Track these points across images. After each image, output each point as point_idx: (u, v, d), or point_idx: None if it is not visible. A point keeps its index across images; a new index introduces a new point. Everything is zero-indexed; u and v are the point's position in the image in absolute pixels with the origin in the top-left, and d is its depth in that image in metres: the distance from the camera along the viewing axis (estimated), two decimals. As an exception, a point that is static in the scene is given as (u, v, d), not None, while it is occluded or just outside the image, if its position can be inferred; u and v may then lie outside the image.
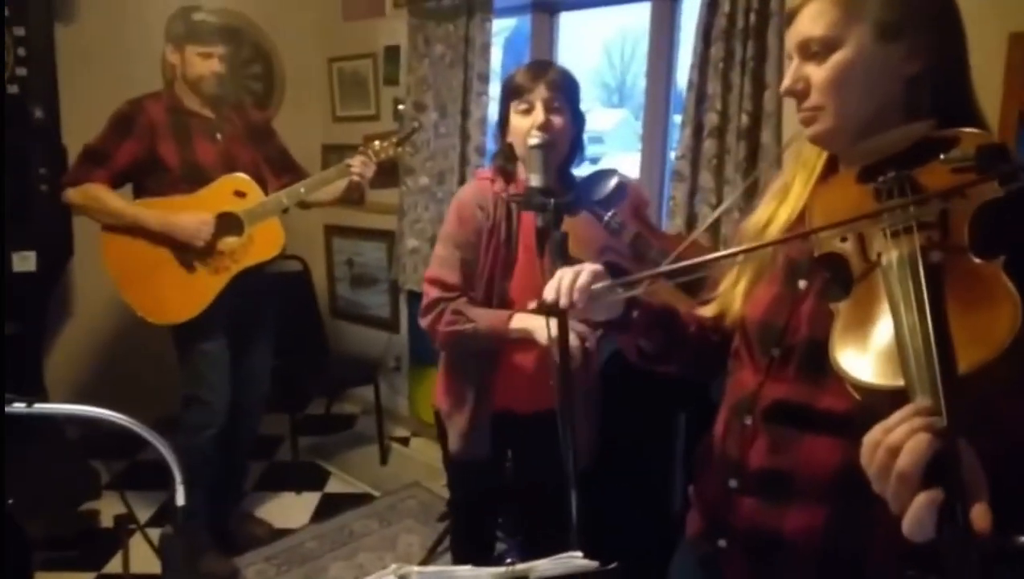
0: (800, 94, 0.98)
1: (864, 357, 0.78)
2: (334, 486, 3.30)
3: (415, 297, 3.73)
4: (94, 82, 3.22)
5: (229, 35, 2.50)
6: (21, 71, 2.87)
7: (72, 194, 2.42)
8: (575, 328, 1.53)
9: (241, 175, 2.50)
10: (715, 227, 2.47)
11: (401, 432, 3.85)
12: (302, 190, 2.53)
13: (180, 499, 0.98)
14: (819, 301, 0.98)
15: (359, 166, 2.50)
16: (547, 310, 1.13)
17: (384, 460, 3.54)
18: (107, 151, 2.42)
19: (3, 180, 2.73)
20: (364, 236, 3.91)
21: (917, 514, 0.64)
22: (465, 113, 3.22)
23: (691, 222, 2.53)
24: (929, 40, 0.93)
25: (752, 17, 2.30)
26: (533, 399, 1.81)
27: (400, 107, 3.58)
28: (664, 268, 1.08)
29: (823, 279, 0.98)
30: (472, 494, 2.00)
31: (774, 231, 1.07)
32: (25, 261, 2.87)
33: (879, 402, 0.76)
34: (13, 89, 2.86)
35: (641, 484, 2.10)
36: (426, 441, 3.76)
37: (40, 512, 2.72)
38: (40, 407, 0.93)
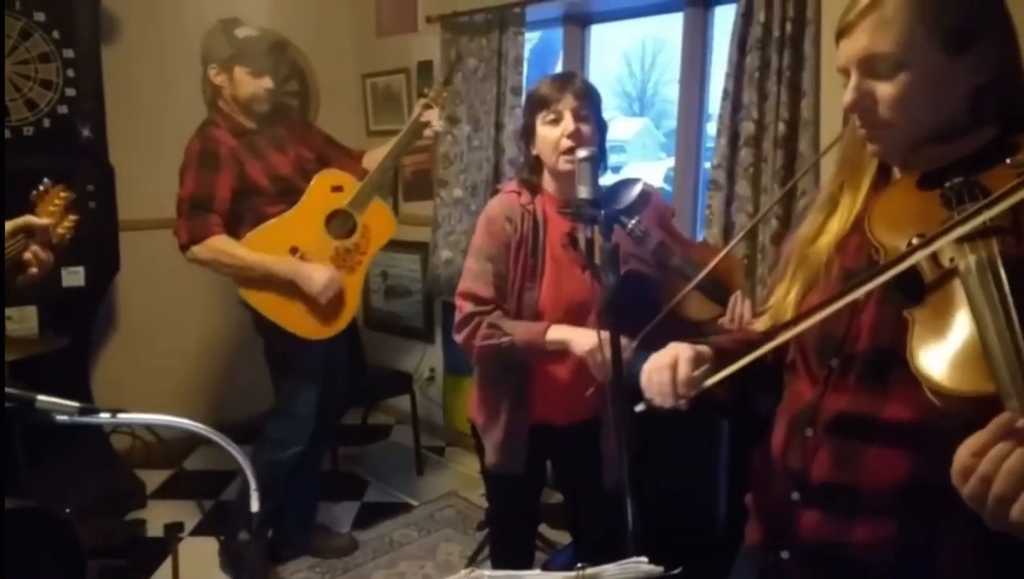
0: (865, 112, 0.96)
1: (947, 364, 0.79)
2: (372, 495, 3.33)
3: (449, 308, 3.76)
4: (138, 101, 3.32)
5: (272, 50, 2.49)
6: (70, 91, 2.97)
7: (200, 252, 2.35)
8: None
9: (331, 171, 2.53)
10: (752, 236, 2.48)
11: (436, 442, 3.88)
12: (389, 161, 2.57)
13: (254, 505, 1.02)
14: (880, 310, 0.97)
15: (436, 120, 2.58)
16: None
17: (420, 470, 3.57)
18: (208, 193, 2.35)
19: (3, 184, 2.79)
20: (398, 248, 3.95)
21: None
22: (499, 126, 3.26)
23: (728, 231, 2.53)
24: (995, 48, 0.92)
25: (788, 26, 2.31)
26: (570, 410, 1.82)
27: (433, 120, 3.62)
28: (782, 337, 1.01)
29: (883, 287, 0.98)
30: (510, 506, 2.00)
31: (826, 241, 1.07)
32: (74, 276, 2.95)
33: (963, 408, 0.76)
34: (63, 109, 2.96)
35: (686, 491, 2.11)
36: (461, 451, 3.79)
37: (89, 521, 2.79)
38: (124, 417, 0.97)
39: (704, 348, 1.11)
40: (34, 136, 2.93)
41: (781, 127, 2.35)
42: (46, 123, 2.94)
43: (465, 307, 1.77)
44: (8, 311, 2.76)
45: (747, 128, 2.45)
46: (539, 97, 1.72)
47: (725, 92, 2.50)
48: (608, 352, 1.28)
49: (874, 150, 1.01)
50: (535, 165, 1.79)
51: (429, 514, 3.15)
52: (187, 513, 3.06)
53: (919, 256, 0.85)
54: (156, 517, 3.03)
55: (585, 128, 1.68)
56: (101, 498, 2.97)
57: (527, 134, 1.78)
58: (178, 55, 3.44)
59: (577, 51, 3.32)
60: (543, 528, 2.60)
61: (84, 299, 3.04)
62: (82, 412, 0.95)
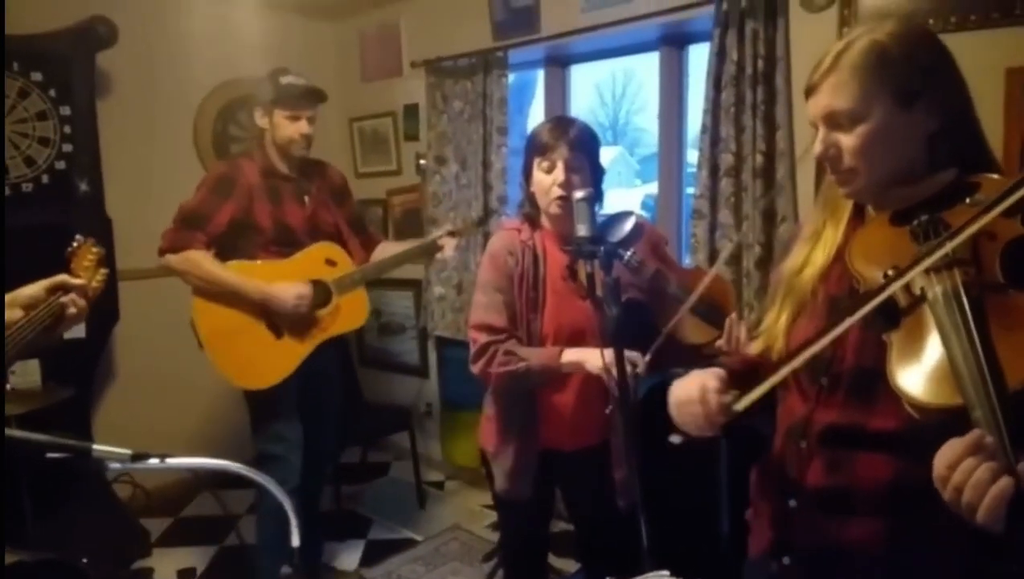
0: (833, 159, 1.09)
1: (922, 380, 0.89)
2: (376, 532, 3.36)
3: (443, 343, 3.84)
4: (133, 154, 3.39)
5: (308, 95, 2.54)
6: (67, 147, 3.04)
7: (173, 260, 2.40)
8: (626, 354, 1.63)
9: (333, 245, 2.56)
10: (737, 261, 2.59)
11: (435, 476, 3.92)
12: (390, 263, 2.60)
13: (295, 540, 1.08)
14: (863, 333, 1.07)
15: (451, 249, 2.60)
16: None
17: (422, 505, 3.61)
18: (206, 213, 2.41)
19: (3, 198, 2.85)
20: (390, 286, 4.03)
21: (989, 512, 0.75)
22: (486, 164, 3.37)
23: (713, 257, 2.64)
24: (942, 99, 1.04)
25: (760, 63, 2.45)
26: (576, 436, 1.90)
27: (421, 161, 3.73)
28: (792, 362, 1.07)
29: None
30: (521, 532, 2.06)
31: (811, 273, 1.18)
32: (75, 328, 2.99)
33: (938, 418, 0.87)
34: (61, 165, 3.03)
35: (688, 509, 2.18)
36: (461, 484, 3.83)
37: (95, 572, 2.80)
38: (172, 461, 1.04)
39: (722, 372, 1.19)
40: (33, 192, 2.99)
41: (759, 158, 2.48)
42: (44, 179, 3.01)
43: (480, 338, 1.84)
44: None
45: (726, 160, 2.57)
46: (537, 143, 1.83)
47: (704, 126, 2.62)
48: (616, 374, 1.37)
49: (845, 192, 1.14)
50: (534, 202, 1.89)
51: (434, 548, 3.19)
52: (192, 560, 3.08)
53: (895, 287, 0.96)
54: (162, 565, 3.04)
55: (576, 177, 1.78)
56: (108, 547, 2.99)
57: (527, 173, 1.88)
58: (170, 109, 3.54)
59: (558, 91, 3.45)
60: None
61: (85, 350, 3.08)
62: (134, 458, 1.01)
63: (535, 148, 1.83)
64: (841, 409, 1.10)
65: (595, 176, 1.86)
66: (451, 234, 2.60)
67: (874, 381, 1.04)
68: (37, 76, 2.96)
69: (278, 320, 2.45)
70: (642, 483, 1.95)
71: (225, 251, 2.49)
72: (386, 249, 2.75)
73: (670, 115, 3.07)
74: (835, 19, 2.34)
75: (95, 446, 1.00)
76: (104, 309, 3.13)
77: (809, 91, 1.11)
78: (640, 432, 1.92)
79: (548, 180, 1.80)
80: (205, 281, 2.39)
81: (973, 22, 2.07)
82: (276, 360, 2.46)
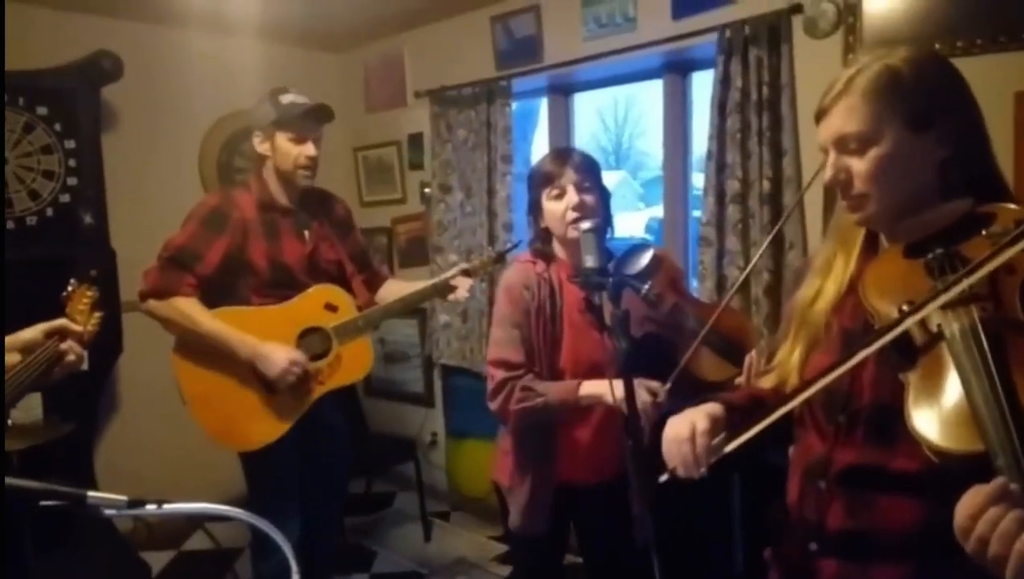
0: (843, 185, 1.07)
1: (940, 424, 0.85)
2: (381, 566, 3.30)
3: (449, 371, 3.81)
4: (138, 186, 3.39)
5: (315, 114, 2.31)
6: (72, 181, 3.04)
7: (157, 307, 2.18)
8: (646, 384, 1.60)
9: (334, 288, 2.33)
10: (745, 288, 2.56)
11: (441, 507, 3.86)
12: (397, 307, 2.38)
13: (296, 585, 1.04)
14: (879, 369, 1.04)
15: (465, 290, 2.34)
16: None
17: (428, 537, 3.55)
18: (197, 251, 2.18)
19: (3, 205, 2.82)
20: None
21: (1019, 565, 0.71)
22: (491, 192, 3.36)
23: (721, 284, 2.62)
24: (955, 126, 1.02)
25: (765, 90, 2.44)
26: (595, 470, 1.87)
27: (426, 190, 3.73)
28: (796, 400, 1.05)
29: (880, 348, 1.05)
30: (535, 568, 2.02)
31: (823, 304, 1.14)
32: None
33: (958, 465, 0.83)
34: (65, 198, 3.03)
35: (700, 546, 2.13)
36: (467, 515, 3.77)
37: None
38: (169, 507, 1.00)
39: (717, 410, 1.17)
40: (37, 225, 2.99)
41: (765, 184, 2.46)
42: (49, 212, 3.01)
43: (498, 374, 1.81)
44: (13, 399, 2.77)
45: (732, 186, 2.55)
46: (543, 174, 1.82)
47: (709, 153, 2.61)
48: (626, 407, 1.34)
49: (856, 219, 1.11)
50: (545, 236, 1.87)
51: (440, 582, 3.13)
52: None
53: (909, 323, 0.93)
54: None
55: (588, 198, 1.77)
56: (109, 584, 2.94)
57: (535, 209, 1.86)
58: (175, 141, 3.55)
59: (562, 118, 3.45)
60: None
61: (87, 383, 3.05)
62: (130, 505, 0.98)
63: (541, 180, 1.82)
64: (860, 449, 1.06)
65: (603, 200, 1.85)
66: (465, 273, 2.35)
67: (893, 419, 1.00)
68: (42, 110, 2.97)
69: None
70: (655, 519, 1.91)
71: (215, 293, 2.26)
72: (392, 288, 2.54)
73: (675, 141, 3.05)
74: (840, 45, 2.34)
75: (90, 493, 0.97)
76: (107, 341, 3.11)
77: (820, 115, 1.09)
78: (653, 466, 1.89)
79: (560, 206, 1.78)
80: (192, 334, 2.17)
81: (979, 46, 2.06)
82: (267, 420, 2.24)
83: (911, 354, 0.94)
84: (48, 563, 2.64)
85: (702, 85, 2.99)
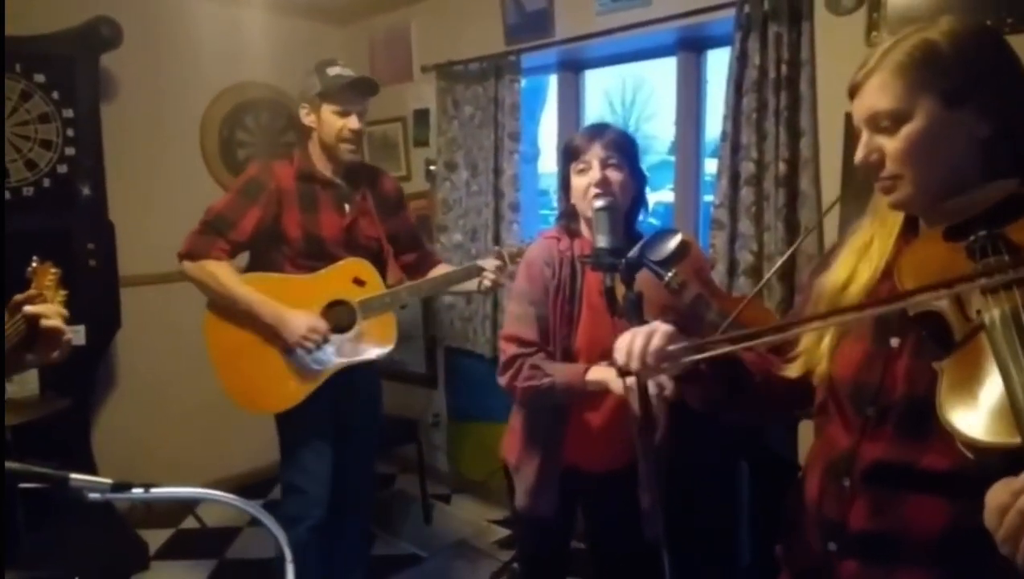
0: (875, 165, 1.01)
1: (976, 416, 0.79)
2: (380, 548, 3.26)
3: (452, 352, 3.76)
4: (137, 158, 3.33)
5: (360, 88, 2.32)
6: (70, 151, 2.98)
7: (191, 268, 2.26)
8: (654, 377, 1.54)
9: (363, 262, 2.33)
10: (757, 273, 2.49)
11: (442, 489, 3.83)
12: (425, 287, 2.40)
13: (290, 577, 0.99)
14: (915, 359, 0.98)
15: (493, 272, 2.30)
16: (622, 371, 1.14)
17: (428, 519, 3.51)
18: (232, 218, 2.25)
19: (3, 201, 2.77)
20: (398, 294, 3.95)
21: None
22: (497, 171, 3.28)
23: (732, 268, 2.55)
24: (997, 102, 0.95)
25: (784, 68, 2.35)
26: (604, 457, 1.82)
27: (431, 167, 3.66)
28: (741, 333, 1.09)
29: (917, 336, 0.98)
30: (539, 550, 1.98)
31: (856, 289, 1.07)
32: (74, 335, 2.91)
33: (994, 460, 0.77)
34: (63, 169, 2.97)
35: (707, 537, 2.08)
36: (468, 498, 3.74)
37: (93, 586, 2.72)
38: (157, 491, 0.95)
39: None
40: (34, 196, 2.93)
41: (782, 166, 2.38)
42: (46, 183, 2.95)
43: (509, 349, 1.77)
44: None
45: (747, 168, 2.47)
46: (571, 148, 1.76)
47: (724, 133, 2.53)
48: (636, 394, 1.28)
49: (890, 202, 1.04)
50: (573, 212, 1.81)
51: (441, 566, 3.10)
52: (192, 574, 3.00)
53: (942, 296, 0.89)
54: (162, 579, 2.97)
55: (615, 176, 1.70)
56: (106, 561, 2.90)
57: (564, 184, 1.81)
58: (176, 112, 3.48)
59: (572, 96, 3.37)
60: None
61: (85, 358, 3.01)
62: (115, 488, 0.92)
63: (570, 154, 1.77)
64: (890, 444, 0.99)
65: (636, 181, 1.78)
66: (499, 257, 2.33)
67: (927, 414, 0.94)
68: (40, 78, 2.90)
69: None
70: (665, 512, 1.86)
71: (257, 260, 2.37)
72: (440, 270, 2.53)
73: (687, 122, 2.97)
74: (863, 22, 2.24)
75: (72, 475, 0.92)
76: (105, 316, 3.06)
77: (852, 92, 1.03)
78: (667, 460, 1.84)
79: (584, 182, 1.71)
80: (221, 296, 2.25)
81: (1010, 25, 1.98)
82: (285, 387, 2.29)
83: (947, 342, 0.88)
84: (41, 539, 2.60)
85: (716, 64, 2.92)
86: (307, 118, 2.34)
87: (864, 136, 1.02)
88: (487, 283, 2.32)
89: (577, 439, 1.81)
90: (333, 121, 2.29)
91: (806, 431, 2.10)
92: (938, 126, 0.95)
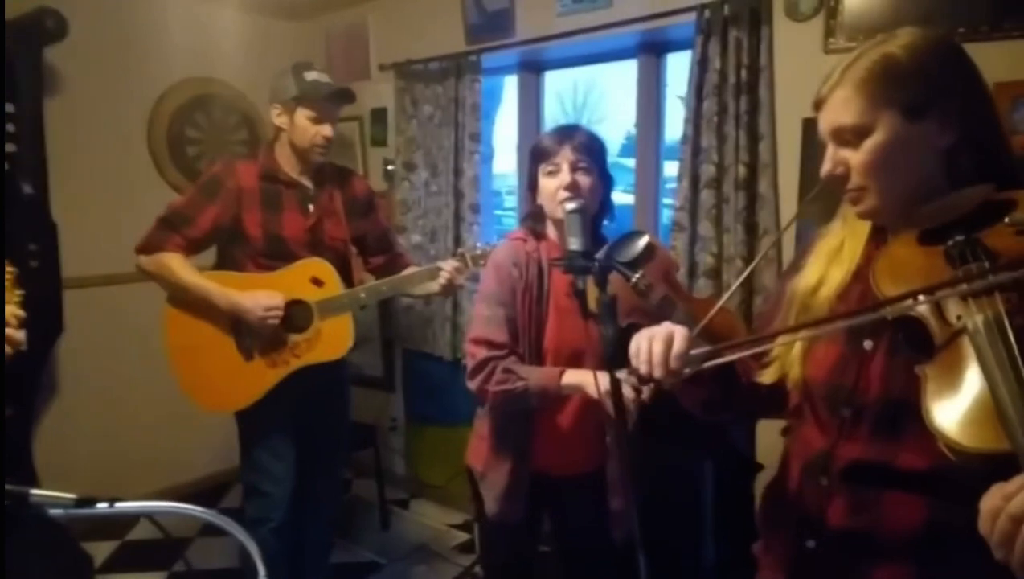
0: (841, 178, 1.03)
1: (962, 421, 0.80)
2: (337, 555, 3.17)
3: (411, 355, 3.72)
4: (82, 156, 3.20)
5: (337, 97, 2.31)
6: (11, 147, 2.83)
7: (145, 262, 2.25)
8: (630, 379, 1.53)
9: (322, 262, 2.28)
10: (717, 275, 2.53)
11: (399, 494, 3.77)
12: (384, 289, 2.35)
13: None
14: (889, 361, 1.00)
15: (451, 273, 2.28)
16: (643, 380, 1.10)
17: (386, 525, 3.46)
18: (189, 215, 2.24)
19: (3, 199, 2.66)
20: (354, 296, 3.89)
21: None
22: (458, 172, 3.26)
23: (693, 270, 2.57)
24: (959, 111, 0.97)
25: (743, 73, 2.39)
26: (573, 461, 1.81)
27: (389, 167, 3.61)
28: (754, 337, 1.08)
29: (890, 338, 1.00)
30: (508, 557, 1.96)
31: (828, 292, 1.09)
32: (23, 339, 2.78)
33: (979, 464, 0.78)
34: (3, 166, 2.82)
35: (673, 537, 2.09)
36: (426, 502, 3.70)
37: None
38: (122, 506, 0.91)
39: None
40: (-29, 194, 2.78)
41: (741, 169, 2.42)
42: (-16, 180, 2.80)
43: (479, 353, 1.73)
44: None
45: (707, 171, 2.50)
46: (540, 149, 1.75)
47: (684, 136, 2.56)
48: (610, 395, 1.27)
49: (858, 213, 1.06)
50: (539, 214, 1.80)
51: (400, 572, 3.05)
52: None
53: (922, 302, 0.90)
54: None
55: (583, 179, 1.69)
56: (45, 576, 2.77)
57: (532, 184, 1.79)
58: (123, 108, 3.36)
59: (532, 97, 3.37)
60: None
61: (26, 364, 2.86)
62: (79, 504, 0.88)
63: (539, 155, 1.75)
64: (866, 444, 1.01)
65: (604, 185, 1.77)
66: (461, 260, 2.32)
67: (902, 414, 0.96)
68: (-23, 70, 2.75)
69: (248, 340, 2.27)
70: (642, 513, 1.85)
71: (222, 258, 2.36)
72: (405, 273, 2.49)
73: (647, 125, 3.00)
74: (820, 28, 2.29)
75: (33, 491, 0.86)
76: (46, 320, 2.93)
77: (817, 105, 1.05)
78: (639, 462, 1.83)
79: (553, 184, 1.70)
80: (175, 287, 2.24)
81: (961, 35, 2.04)
82: (241, 385, 2.26)
83: (926, 347, 0.90)
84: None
85: (677, 68, 2.95)
86: (278, 119, 2.31)
87: (829, 149, 1.04)
88: (442, 281, 2.29)
89: (545, 444, 1.79)
90: (307, 126, 2.26)
91: (764, 430, 2.14)
92: (901, 138, 0.98)
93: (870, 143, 0.98)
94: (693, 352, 1.05)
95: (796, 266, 1.19)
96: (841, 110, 0.99)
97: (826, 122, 1.02)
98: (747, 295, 2.46)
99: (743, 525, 2.12)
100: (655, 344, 1.04)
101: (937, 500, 0.95)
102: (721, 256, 2.51)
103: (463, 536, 3.33)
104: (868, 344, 1.03)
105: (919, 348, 0.91)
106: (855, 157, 1.00)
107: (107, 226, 3.13)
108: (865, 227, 1.10)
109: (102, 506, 0.89)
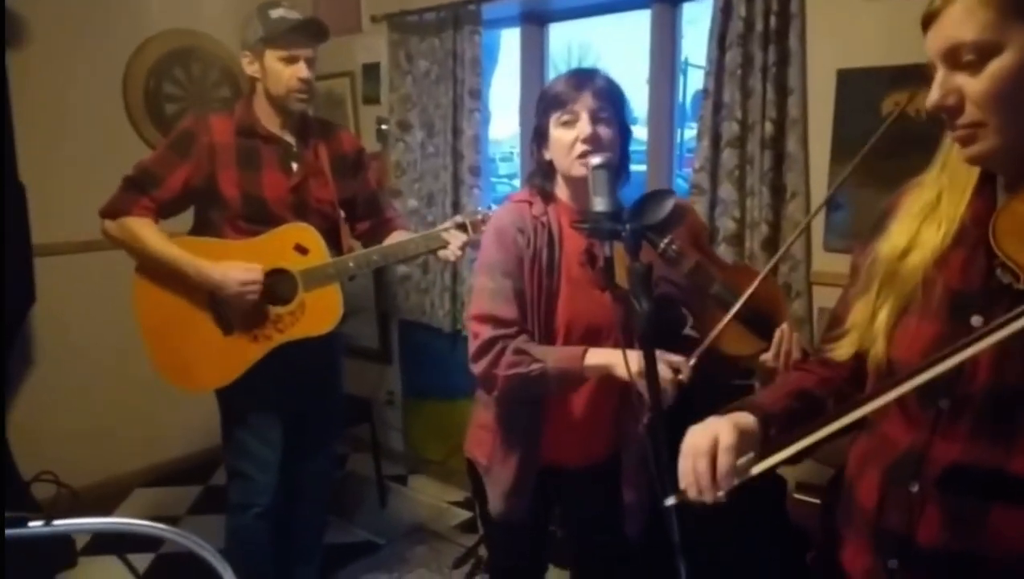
0: (952, 109, 0.84)
1: None
2: (333, 535, 3.03)
3: (407, 326, 3.55)
4: (52, 112, 2.99)
5: (307, 31, 2.06)
6: (-30, 104, 2.61)
7: (110, 227, 2.05)
8: (666, 357, 1.35)
9: (307, 228, 2.08)
10: (739, 242, 2.35)
11: (397, 470, 3.63)
12: (375, 257, 2.12)
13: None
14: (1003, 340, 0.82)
15: (456, 247, 2.07)
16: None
17: (383, 502, 3.32)
18: (158, 175, 2.03)
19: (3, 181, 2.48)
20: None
21: None
22: (456, 131, 3.05)
23: (712, 236, 2.39)
24: None
25: (772, 20, 2.18)
26: (584, 451, 1.64)
27: (383, 127, 3.40)
28: (808, 427, 0.89)
29: (1006, 313, 0.83)
30: (518, 559, 1.79)
31: (920, 258, 0.91)
32: (-13, 312, 2.60)
33: None
34: (-38, 123, 2.60)
35: (704, 538, 1.93)
36: (425, 479, 3.56)
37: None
38: (60, 523, 0.73)
39: (748, 422, 0.96)
40: (-71, 153, 2.56)
41: (768, 126, 2.23)
42: (-57, 139, 2.58)
43: (483, 332, 1.50)
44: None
45: (730, 128, 2.31)
46: (553, 96, 1.51)
47: (705, 91, 2.36)
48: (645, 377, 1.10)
49: (967, 155, 0.87)
50: (548, 171, 1.58)
51: (398, 553, 2.91)
52: (121, 572, 2.74)
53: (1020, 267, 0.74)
54: (90, 577, 2.71)
55: (605, 131, 1.48)
56: (25, 559, 2.62)
57: (540, 137, 1.56)
58: (96, 62, 3.14)
59: (536, 51, 3.15)
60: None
61: (-4, 336, 2.68)
62: (10, 523, 0.70)
63: (551, 102, 1.51)
64: (969, 443, 0.84)
65: (623, 139, 1.54)
66: (461, 228, 2.08)
67: (1017, 407, 0.79)
68: (-68, 17, 2.52)
69: (227, 313, 2.08)
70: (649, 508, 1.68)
71: (199, 223, 2.16)
72: (396, 238, 2.25)
73: (660, 81, 2.79)
74: (858, -29, 2.09)
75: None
76: (16, 289, 2.73)
77: (927, 21, 0.85)
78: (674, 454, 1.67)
79: (570, 135, 1.48)
80: (141, 255, 2.05)
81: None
82: (220, 361, 2.08)
83: None
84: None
85: (694, 18, 2.75)
86: (250, 67, 2.09)
87: (940, 74, 0.84)
88: (451, 257, 2.10)
89: (555, 433, 1.60)
90: (279, 69, 2.05)
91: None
92: None
93: (995, 66, 0.80)
94: (742, 461, 0.92)
95: (878, 227, 1.01)
96: (961, 23, 0.80)
97: (939, 39, 0.83)
98: (775, 264, 2.28)
99: (783, 526, 1.93)
100: (698, 463, 0.91)
101: None
102: (744, 221, 2.33)
103: (464, 514, 3.19)
104: (977, 320, 0.85)
105: None
106: (974, 84, 0.81)
107: (81, 188, 2.89)
108: (971, 176, 0.91)
109: (36, 525, 0.71)
